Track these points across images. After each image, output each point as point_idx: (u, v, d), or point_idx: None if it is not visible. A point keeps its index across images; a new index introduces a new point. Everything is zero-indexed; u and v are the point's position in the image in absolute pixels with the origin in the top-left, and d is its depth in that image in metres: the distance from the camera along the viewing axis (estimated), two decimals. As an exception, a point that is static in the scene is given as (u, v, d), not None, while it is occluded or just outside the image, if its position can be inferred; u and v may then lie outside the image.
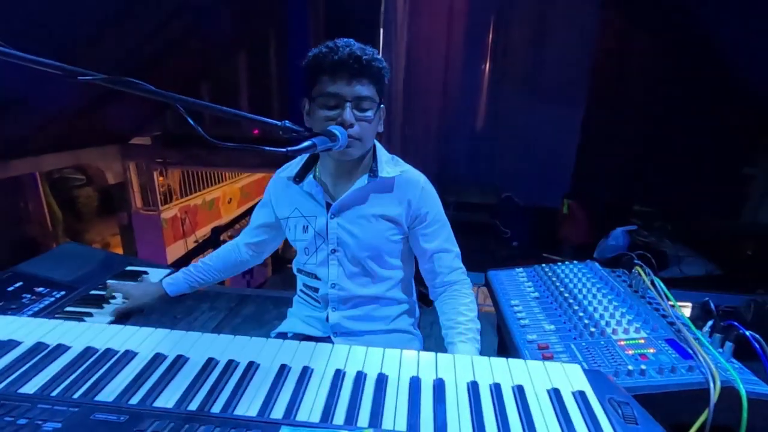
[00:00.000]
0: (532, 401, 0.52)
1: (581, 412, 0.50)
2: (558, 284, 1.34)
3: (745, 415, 0.83)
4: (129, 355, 0.64)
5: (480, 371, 0.57)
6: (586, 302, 1.20)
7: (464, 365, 0.59)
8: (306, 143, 0.74)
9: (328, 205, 1.04)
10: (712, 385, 0.85)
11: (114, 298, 1.17)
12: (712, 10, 3.57)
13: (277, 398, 0.54)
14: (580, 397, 0.52)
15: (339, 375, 0.57)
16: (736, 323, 1.00)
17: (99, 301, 1.17)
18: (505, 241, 3.76)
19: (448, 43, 4.50)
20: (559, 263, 1.50)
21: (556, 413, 0.50)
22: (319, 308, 1.13)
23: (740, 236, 3.26)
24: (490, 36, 4.37)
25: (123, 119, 4.05)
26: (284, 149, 0.73)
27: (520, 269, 1.50)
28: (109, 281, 1.25)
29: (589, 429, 0.47)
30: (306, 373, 0.58)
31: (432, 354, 0.61)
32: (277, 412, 0.52)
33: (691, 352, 0.96)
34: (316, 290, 1.11)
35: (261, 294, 3.65)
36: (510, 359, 0.63)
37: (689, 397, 0.86)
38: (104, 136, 4.06)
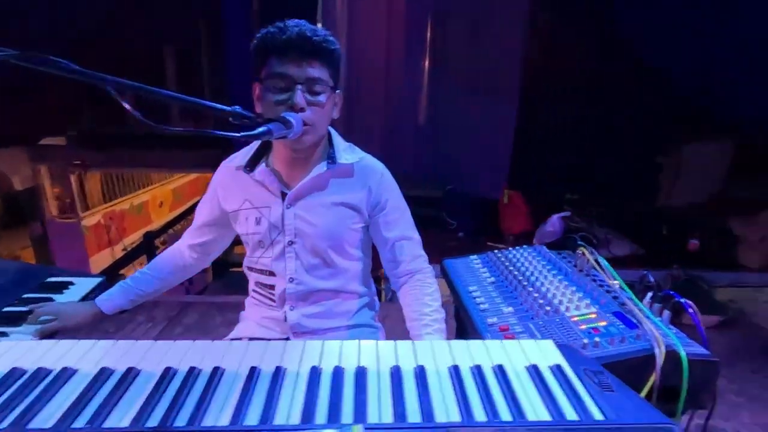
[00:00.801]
0: (514, 379, 0.52)
1: (560, 385, 0.51)
2: (512, 268, 1.39)
3: (686, 375, 0.91)
4: (68, 373, 0.56)
5: (459, 355, 0.57)
6: (538, 283, 1.26)
7: (442, 350, 0.58)
8: (261, 129, 0.69)
9: (284, 195, 0.99)
10: (657, 350, 0.91)
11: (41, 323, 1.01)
12: (634, 11, 3.91)
13: (249, 403, 0.50)
14: (558, 370, 0.53)
15: (316, 372, 0.54)
16: (672, 292, 1.09)
17: (15, 320, 1.01)
18: (451, 233, 3.88)
19: (387, 40, 4.52)
20: (510, 248, 1.56)
21: (537, 388, 0.50)
22: (275, 308, 1.08)
23: (657, 218, 3.61)
24: (429, 32, 4.45)
25: (30, 117, 3.62)
26: (239, 133, 0.67)
27: (475, 256, 1.53)
28: (33, 306, 1.07)
29: (569, 399, 0.48)
30: (279, 373, 0.54)
31: (409, 342, 0.59)
32: (252, 419, 0.48)
33: (636, 322, 1.03)
34: (271, 288, 1.05)
35: (204, 300, 3.43)
36: (487, 341, 0.63)
37: (638, 363, 0.92)
38: (7, 137, 3.61)
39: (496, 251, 1.53)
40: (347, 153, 1.02)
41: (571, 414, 0.46)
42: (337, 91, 0.97)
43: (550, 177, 4.26)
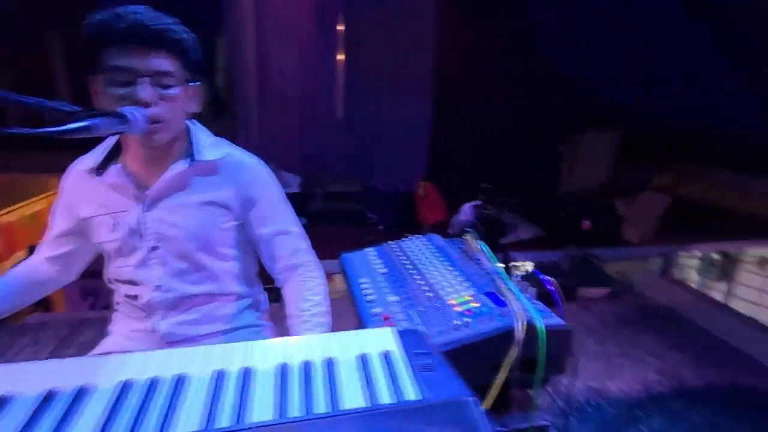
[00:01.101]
0: (341, 371, 0.53)
1: (383, 370, 0.52)
2: (403, 258, 1.42)
3: (542, 345, 0.99)
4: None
5: (291, 352, 0.56)
6: (425, 271, 1.30)
7: (274, 350, 0.57)
8: (79, 124, 0.63)
9: (142, 198, 0.92)
10: (517, 325, 0.98)
11: None
12: (539, 10, 4.18)
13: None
14: (385, 357, 0.55)
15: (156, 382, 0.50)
16: (536, 271, 1.18)
17: None
18: (372, 226, 3.92)
19: (299, 33, 4.42)
20: (405, 239, 1.60)
21: (360, 377, 0.51)
22: (144, 319, 1.00)
23: (558, 203, 3.93)
24: (341, 26, 4.42)
25: None
26: (52, 128, 0.60)
27: (371, 248, 1.55)
28: None
29: (388, 383, 0.49)
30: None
31: (242, 344, 0.57)
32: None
33: (504, 300, 1.10)
34: (136, 298, 0.98)
35: (104, 316, 3.14)
36: (332, 334, 0.63)
37: (503, 338, 0.99)
38: None
39: (391, 242, 1.56)
40: (212, 149, 0.97)
41: (385, 398, 0.47)
42: (194, 83, 0.91)
43: (464, 168, 4.46)
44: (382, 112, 4.44)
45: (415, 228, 3.81)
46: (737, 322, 3.15)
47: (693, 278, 5.88)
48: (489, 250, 1.39)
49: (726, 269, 5.37)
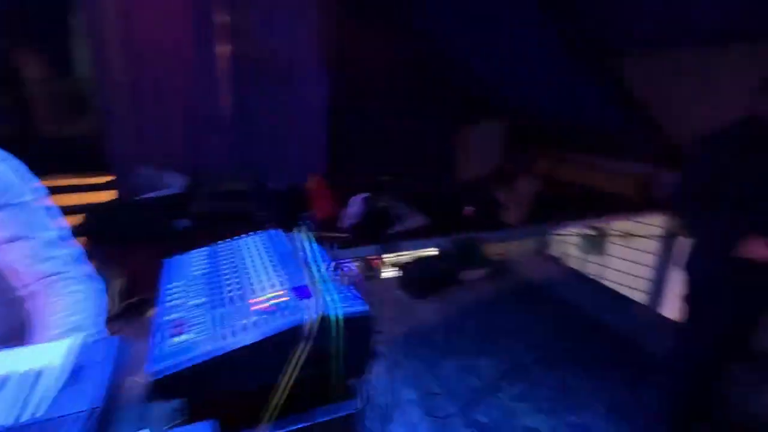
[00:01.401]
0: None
1: (27, 389, 0.44)
2: (228, 257, 1.34)
3: (334, 334, 0.98)
4: None
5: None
6: (243, 270, 1.23)
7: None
8: None
9: None
10: (309, 317, 0.96)
11: None
12: (431, 8, 4.27)
13: None
14: (38, 374, 0.47)
15: None
16: (340, 261, 1.17)
17: None
18: (260, 226, 3.76)
19: (175, 23, 4.09)
20: (241, 236, 1.52)
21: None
22: None
23: (444, 192, 4.10)
24: (223, 15, 4.16)
25: None
26: None
27: (202, 249, 1.45)
28: None
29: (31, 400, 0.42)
30: None
31: None
32: None
33: (312, 291, 1.07)
34: None
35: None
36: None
37: (296, 332, 0.96)
38: None
39: (222, 241, 1.47)
40: None
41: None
42: None
43: (359, 161, 4.46)
44: (271, 106, 4.27)
45: (309, 224, 3.73)
46: (598, 292, 3.53)
47: (571, 253, 6.54)
48: (314, 241, 1.36)
49: (598, 244, 6.03)
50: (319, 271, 1.16)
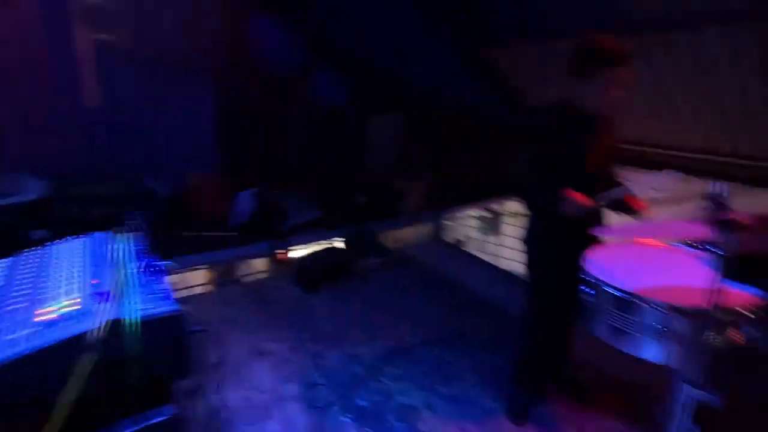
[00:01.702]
0: None
1: None
2: (33, 267, 1.20)
3: (131, 338, 0.91)
4: None
5: None
6: (45, 279, 1.11)
7: None
8: None
9: None
10: (101, 322, 0.88)
11: None
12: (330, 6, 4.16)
13: None
14: None
15: None
16: (151, 262, 1.10)
17: None
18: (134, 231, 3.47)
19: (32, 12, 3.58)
20: (58, 241, 1.37)
21: None
22: None
23: (343, 184, 4.11)
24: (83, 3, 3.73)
25: None
26: None
27: (3, 260, 1.28)
28: None
29: None
30: None
31: None
32: None
33: (113, 295, 0.99)
34: None
35: None
36: None
37: (79, 342, 0.87)
38: None
39: (30, 250, 1.31)
40: None
41: None
42: None
43: (251, 156, 4.30)
44: (148, 101, 3.94)
45: (192, 225, 3.51)
46: (490, 272, 3.76)
47: (468, 236, 6.94)
48: (137, 241, 1.27)
49: (494, 224, 6.47)
50: (126, 273, 1.08)
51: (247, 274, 3.29)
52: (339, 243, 3.78)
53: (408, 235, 4.11)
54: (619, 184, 1.74)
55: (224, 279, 3.20)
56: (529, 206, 1.87)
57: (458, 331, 2.68)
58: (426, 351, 2.48)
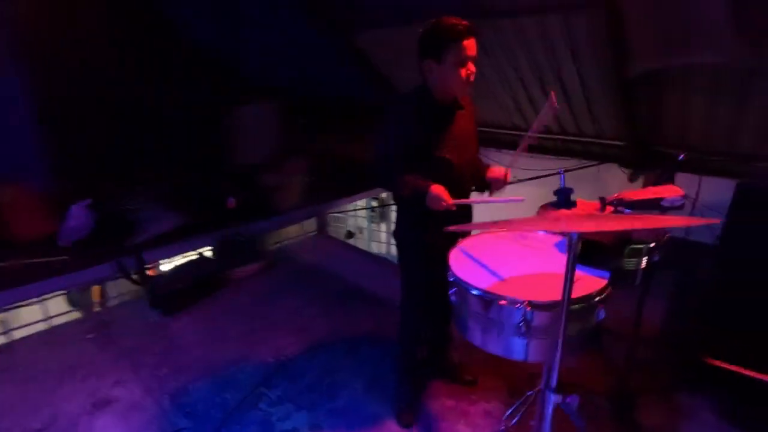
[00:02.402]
0: None
1: None
2: None
3: None
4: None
5: None
6: None
7: None
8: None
9: None
10: None
11: None
12: None
13: None
14: None
15: None
16: None
17: None
18: None
19: None
20: None
21: None
22: None
23: (202, 183, 3.62)
24: None
25: None
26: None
27: None
28: None
29: None
30: None
31: None
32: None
33: None
34: None
35: None
36: None
37: None
38: None
39: None
40: None
41: None
42: None
43: (85, 162, 3.56)
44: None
45: (5, 253, 2.76)
46: (375, 264, 3.68)
47: (362, 226, 6.94)
48: None
49: (382, 212, 6.51)
50: None
51: (89, 304, 2.71)
52: (207, 252, 3.35)
53: (290, 233, 3.83)
54: (483, 171, 1.72)
55: (58, 313, 2.59)
56: (395, 198, 1.76)
57: (342, 334, 2.52)
58: (308, 362, 2.27)
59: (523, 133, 3.77)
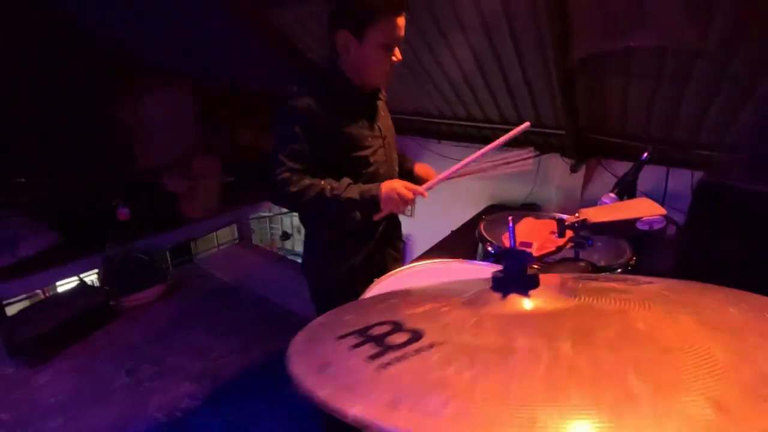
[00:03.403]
0: None
1: None
2: None
3: None
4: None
5: None
6: None
7: None
8: None
9: None
10: None
11: None
12: None
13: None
14: None
15: None
16: None
17: None
18: None
19: None
20: None
21: None
22: None
23: (85, 194, 2.98)
24: None
25: None
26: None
27: None
28: None
29: None
30: None
31: None
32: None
33: None
34: None
35: None
36: None
37: None
38: None
39: None
40: None
41: None
42: None
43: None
44: None
45: None
46: (302, 278, 3.24)
47: (300, 225, 6.44)
48: None
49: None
50: None
51: None
52: (91, 276, 2.76)
53: (203, 245, 3.30)
54: (407, 165, 1.38)
55: None
56: (302, 219, 1.36)
57: (260, 374, 2.09)
58: (212, 417, 1.83)
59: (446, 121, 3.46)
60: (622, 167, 3.10)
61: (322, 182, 1.11)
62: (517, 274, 0.44)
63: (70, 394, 1.96)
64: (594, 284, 0.48)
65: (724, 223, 1.45)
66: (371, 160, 1.19)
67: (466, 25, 2.73)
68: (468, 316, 0.40)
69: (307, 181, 1.11)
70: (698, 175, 2.70)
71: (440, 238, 2.54)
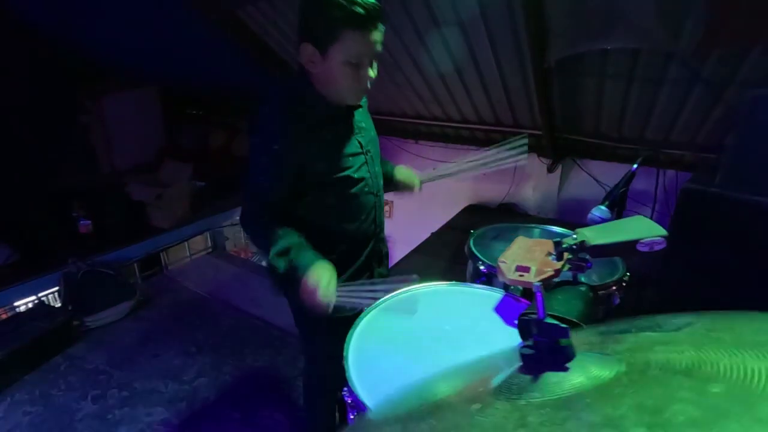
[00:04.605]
0: None
1: None
2: None
3: None
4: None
5: None
6: None
7: None
8: None
9: None
10: None
11: None
12: None
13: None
14: None
15: None
16: None
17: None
18: None
19: None
20: None
21: None
22: None
23: (36, 202, 2.78)
24: None
25: None
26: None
27: None
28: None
29: None
30: None
31: None
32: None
33: None
34: None
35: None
36: None
37: None
38: None
39: None
40: None
41: None
42: None
43: None
44: None
45: None
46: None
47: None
48: None
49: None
50: None
51: None
52: (49, 294, 2.57)
53: (174, 255, 3.13)
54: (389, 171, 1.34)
55: None
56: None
57: (235, 395, 1.99)
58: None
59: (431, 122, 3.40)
60: (598, 166, 3.13)
61: (278, 232, 1.04)
62: (551, 351, 0.38)
63: (29, 428, 1.80)
64: (628, 338, 0.42)
65: (706, 230, 1.45)
66: (355, 178, 1.11)
67: (442, 25, 2.68)
68: (508, 413, 0.33)
69: (262, 228, 1.07)
70: (670, 173, 2.75)
71: (419, 237, 2.49)
